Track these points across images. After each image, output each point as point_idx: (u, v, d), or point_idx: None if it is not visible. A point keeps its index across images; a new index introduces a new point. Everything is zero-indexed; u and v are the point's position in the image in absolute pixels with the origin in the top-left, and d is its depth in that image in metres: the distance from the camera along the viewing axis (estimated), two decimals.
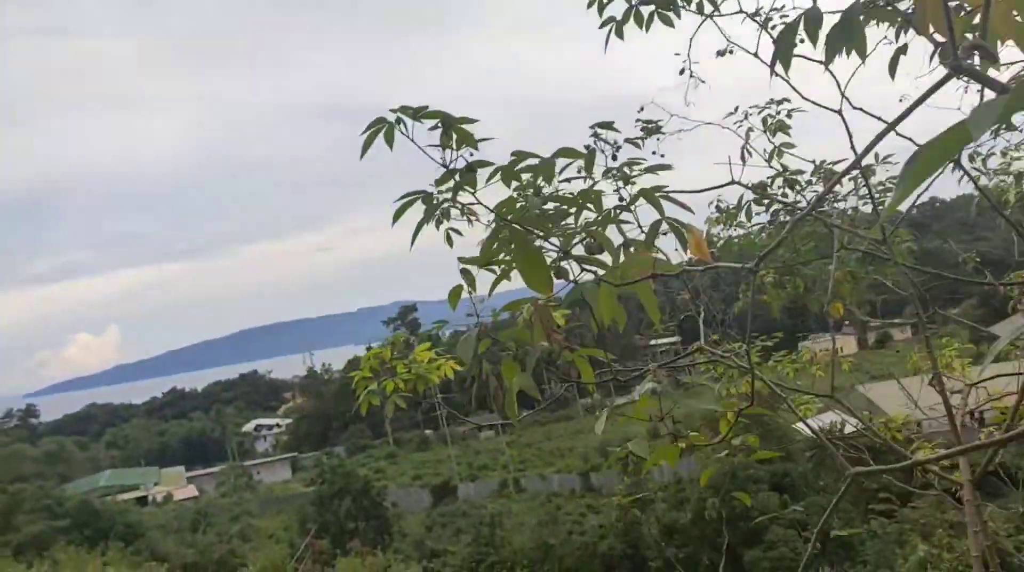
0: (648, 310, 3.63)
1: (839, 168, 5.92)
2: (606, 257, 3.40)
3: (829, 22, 2.73)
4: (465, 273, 3.52)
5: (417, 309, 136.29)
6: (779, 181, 6.02)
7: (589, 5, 4.54)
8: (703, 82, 5.78)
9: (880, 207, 5.52)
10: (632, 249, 3.41)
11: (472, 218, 3.36)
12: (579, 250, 3.42)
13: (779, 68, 2.95)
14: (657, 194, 3.39)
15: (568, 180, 3.50)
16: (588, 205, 3.43)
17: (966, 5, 2.61)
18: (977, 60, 1.74)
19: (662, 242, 3.46)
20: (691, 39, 5.23)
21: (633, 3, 4.53)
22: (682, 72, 5.76)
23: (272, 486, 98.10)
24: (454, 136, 3.10)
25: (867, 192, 5.69)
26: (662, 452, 4.12)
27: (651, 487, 58.92)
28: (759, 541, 50.69)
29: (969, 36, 2.44)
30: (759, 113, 6.01)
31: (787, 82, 4.54)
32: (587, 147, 3.86)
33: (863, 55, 2.75)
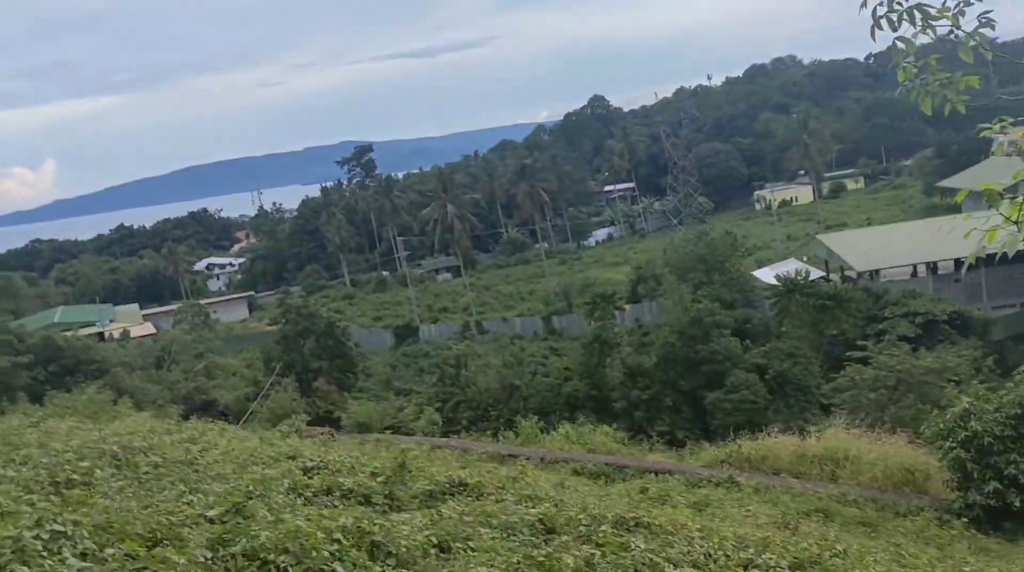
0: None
1: None
2: None
3: None
4: None
5: (373, 149, 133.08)
6: None
7: None
8: None
9: None
10: None
11: None
12: None
13: None
14: None
15: None
16: None
17: None
18: None
19: None
20: None
21: None
22: None
23: (230, 325, 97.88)
24: None
25: None
26: None
27: (617, 331, 59.93)
28: (720, 384, 52.22)
29: None
30: None
31: None
32: None
33: None
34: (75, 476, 6.83)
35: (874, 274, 67.55)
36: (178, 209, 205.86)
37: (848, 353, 48.53)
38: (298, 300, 69.00)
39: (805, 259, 78.64)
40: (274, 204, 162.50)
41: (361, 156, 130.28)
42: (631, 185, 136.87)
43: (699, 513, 12.34)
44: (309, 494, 7.59)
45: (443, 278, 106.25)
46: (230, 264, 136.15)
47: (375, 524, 5.99)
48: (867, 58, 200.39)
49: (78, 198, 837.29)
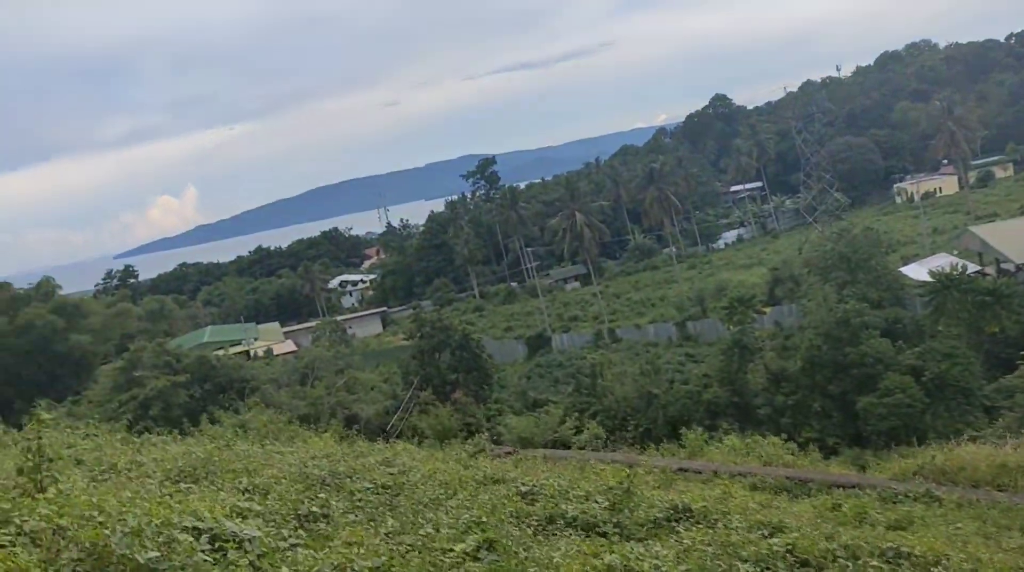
0: None
1: None
2: None
3: None
4: None
5: (496, 162, 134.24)
6: None
7: None
8: None
9: None
10: None
11: None
12: None
13: None
14: None
15: None
16: None
17: None
18: None
19: None
20: None
21: None
22: None
23: (366, 340, 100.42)
24: None
25: None
26: None
27: (758, 335, 58.19)
28: (873, 388, 49.86)
29: None
30: None
31: None
32: None
33: None
34: (315, 508, 6.80)
35: None
36: (310, 229, 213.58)
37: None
38: (433, 314, 70.01)
39: (956, 253, 74.47)
40: (401, 220, 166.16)
41: (485, 169, 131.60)
42: (759, 184, 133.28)
43: (902, 532, 11.53)
44: (535, 523, 7.38)
45: (571, 287, 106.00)
46: (362, 281, 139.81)
47: (628, 557, 5.67)
48: (1008, 38, 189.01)
49: (218, 222, 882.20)
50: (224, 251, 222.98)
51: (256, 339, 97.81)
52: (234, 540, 4.96)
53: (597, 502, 8.06)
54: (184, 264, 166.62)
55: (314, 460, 10.03)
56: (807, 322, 55.71)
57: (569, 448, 24.58)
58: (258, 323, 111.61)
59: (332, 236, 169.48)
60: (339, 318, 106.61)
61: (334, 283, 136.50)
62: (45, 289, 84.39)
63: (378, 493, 8.35)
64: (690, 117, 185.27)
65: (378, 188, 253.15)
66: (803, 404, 51.41)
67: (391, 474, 9.73)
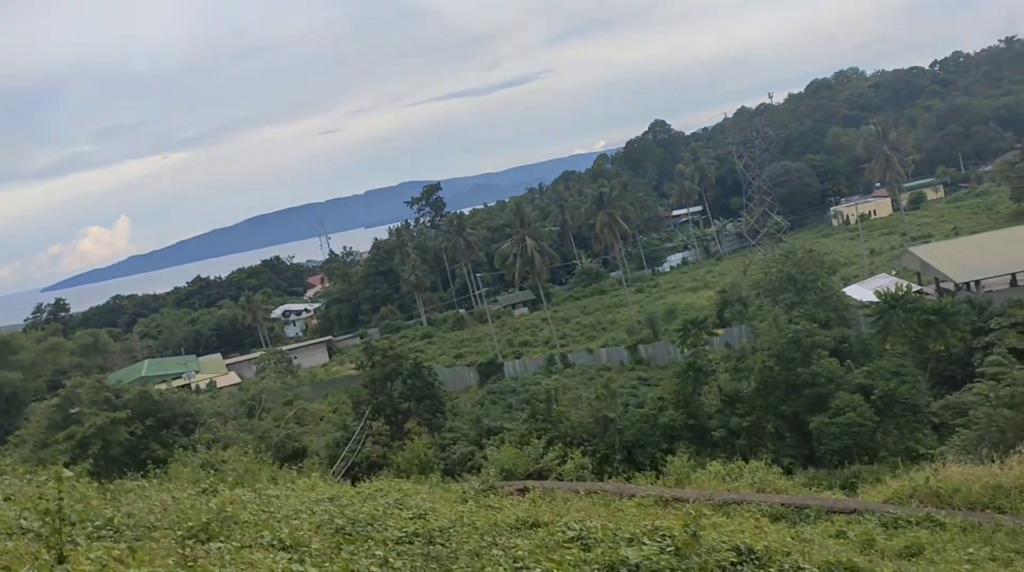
0: None
1: None
2: None
3: None
4: None
5: (441, 188, 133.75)
6: None
7: None
8: None
9: None
10: None
11: None
12: None
13: None
14: None
15: None
16: None
17: None
18: None
19: None
20: None
21: None
22: None
23: (312, 370, 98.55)
24: None
25: None
26: None
27: (711, 358, 58.41)
28: (824, 408, 50.38)
29: None
30: None
31: None
32: None
33: None
34: (375, 569, 6.11)
35: (973, 285, 64.91)
36: (249, 258, 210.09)
37: (981, 368, 46.61)
38: (383, 342, 68.83)
39: (895, 273, 76.10)
40: (344, 248, 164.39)
41: (430, 195, 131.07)
42: (700, 208, 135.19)
43: (914, 559, 11.24)
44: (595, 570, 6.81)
45: (520, 312, 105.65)
46: (305, 310, 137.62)
47: None
48: (932, 65, 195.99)
49: (151, 253, 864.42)
50: (159, 282, 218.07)
51: (197, 372, 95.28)
52: None
53: (660, 547, 7.52)
54: (118, 296, 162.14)
55: (320, 504, 9.32)
56: (759, 343, 56.10)
57: (546, 478, 24.01)
58: (199, 355, 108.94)
59: (273, 265, 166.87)
60: (284, 348, 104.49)
61: (277, 313, 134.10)
62: None
63: (411, 543, 7.72)
64: (630, 143, 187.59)
65: (318, 216, 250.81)
66: (757, 425, 51.66)
67: (412, 519, 9.06)
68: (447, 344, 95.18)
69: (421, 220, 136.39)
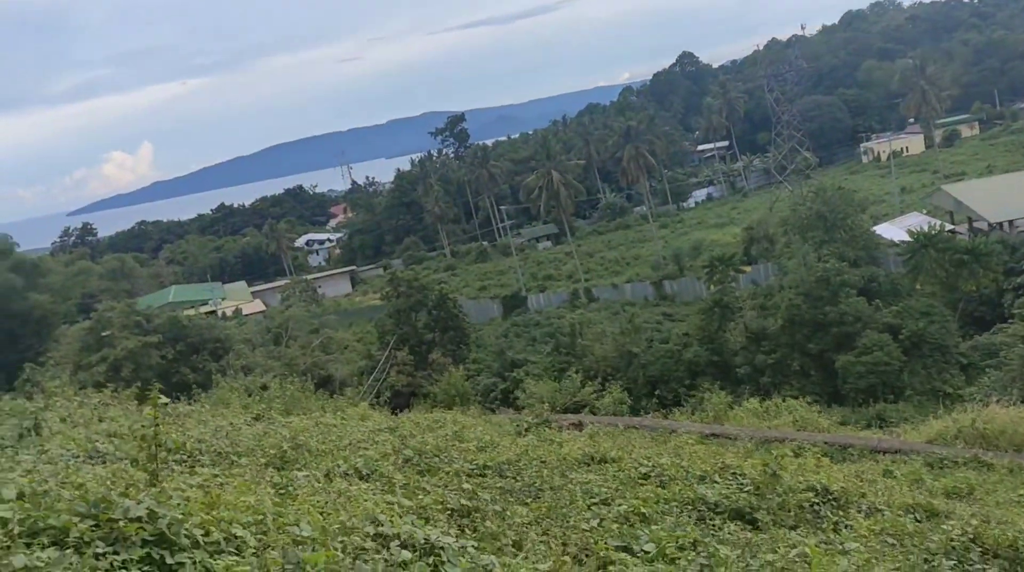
0: None
1: None
2: None
3: None
4: None
5: (465, 119, 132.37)
6: None
7: None
8: None
9: None
10: None
11: None
12: None
13: None
14: None
15: None
16: None
17: None
18: None
19: None
20: None
21: None
22: None
23: (336, 299, 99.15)
24: None
25: None
26: None
27: (737, 295, 58.23)
28: (851, 346, 50.27)
29: None
30: None
31: None
32: None
33: None
34: (464, 501, 6.10)
35: (1007, 225, 63.90)
36: (270, 186, 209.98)
37: (1013, 309, 46.21)
38: (408, 273, 69.02)
39: (926, 211, 75.03)
40: (367, 178, 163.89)
41: (454, 126, 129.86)
42: (726, 143, 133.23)
43: (965, 500, 11.21)
44: (676, 510, 6.79)
45: (543, 246, 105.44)
46: (328, 239, 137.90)
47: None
48: None
49: (174, 179, 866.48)
50: (183, 208, 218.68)
51: (223, 299, 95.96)
52: (424, 549, 4.32)
53: (740, 486, 7.50)
54: (143, 222, 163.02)
55: (380, 434, 9.35)
56: (787, 281, 55.80)
57: (579, 412, 24.17)
58: (224, 282, 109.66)
59: (296, 194, 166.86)
60: (308, 277, 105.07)
61: (300, 242, 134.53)
62: (2, 247, 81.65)
63: (483, 475, 7.74)
64: (657, 75, 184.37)
65: (339, 145, 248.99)
66: (783, 363, 51.71)
67: (475, 451, 9.10)
68: (470, 276, 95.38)
69: (444, 151, 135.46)
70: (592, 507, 6.57)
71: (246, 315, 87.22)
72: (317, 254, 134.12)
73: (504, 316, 76.16)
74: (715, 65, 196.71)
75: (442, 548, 4.32)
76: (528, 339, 69.34)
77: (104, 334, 56.80)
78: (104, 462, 6.43)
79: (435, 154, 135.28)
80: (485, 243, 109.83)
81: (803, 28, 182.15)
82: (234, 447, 7.91)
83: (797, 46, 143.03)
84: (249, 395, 17.35)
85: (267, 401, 15.06)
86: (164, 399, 5.65)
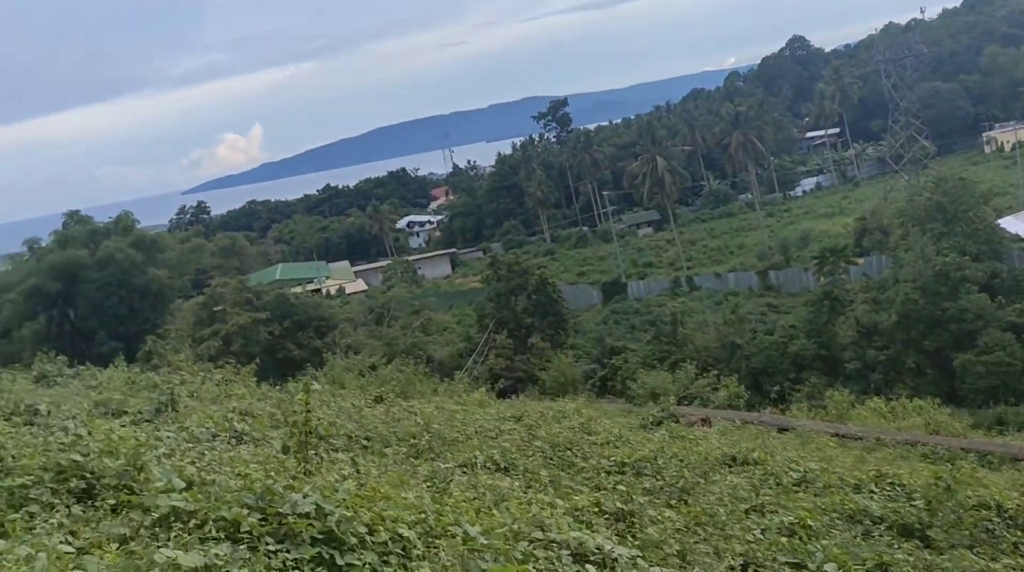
0: None
1: None
2: None
3: None
4: None
5: (568, 103, 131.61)
6: None
7: None
8: None
9: None
10: None
11: None
12: None
13: None
14: None
15: None
16: None
17: None
18: None
19: None
20: None
21: None
22: None
23: (436, 281, 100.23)
24: None
25: None
26: None
27: (848, 287, 56.33)
28: (971, 345, 48.08)
29: None
30: None
31: None
32: None
33: None
34: (619, 504, 5.86)
35: None
36: (373, 168, 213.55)
37: None
38: (510, 256, 69.14)
39: None
40: (468, 161, 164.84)
41: (556, 110, 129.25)
42: (837, 130, 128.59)
43: None
44: (840, 522, 6.38)
45: (644, 233, 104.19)
46: (429, 221, 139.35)
47: None
48: None
49: (282, 160, 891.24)
50: (290, 188, 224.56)
51: (327, 277, 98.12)
52: (595, 559, 4.08)
53: (908, 498, 7.00)
54: (253, 201, 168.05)
55: (505, 423, 9.17)
56: (902, 274, 53.55)
57: (690, 405, 23.63)
58: (328, 261, 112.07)
59: (399, 176, 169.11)
60: (409, 258, 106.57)
61: (402, 223, 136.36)
62: (124, 223, 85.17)
63: (621, 473, 7.48)
64: (766, 60, 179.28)
65: (441, 129, 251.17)
66: (896, 359, 49.79)
67: (604, 445, 8.82)
68: (570, 261, 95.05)
69: (546, 135, 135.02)
70: (747, 515, 6.21)
71: (349, 294, 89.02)
72: (417, 236, 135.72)
73: (603, 302, 75.65)
74: (827, 49, 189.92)
75: (615, 559, 4.06)
76: (627, 326, 68.73)
77: (216, 309, 58.86)
78: (241, 441, 6.41)
79: (536, 138, 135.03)
80: (585, 229, 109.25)
81: (922, 12, 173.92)
82: (363, 431, 7.83)
83: (916, 30, 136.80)
84: (361, 375, 17.45)
85: (382, 382, 15.11)
86: (316, 385, 5.55)
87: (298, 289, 76.45)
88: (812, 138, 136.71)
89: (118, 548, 3.42)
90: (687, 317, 61.01)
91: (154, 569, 3.11)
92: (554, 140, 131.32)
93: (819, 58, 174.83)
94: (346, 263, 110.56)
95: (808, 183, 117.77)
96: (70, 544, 3.37)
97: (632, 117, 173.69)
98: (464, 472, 6.24)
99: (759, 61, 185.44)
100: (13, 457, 4.61)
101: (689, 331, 57.83)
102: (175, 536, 3.55)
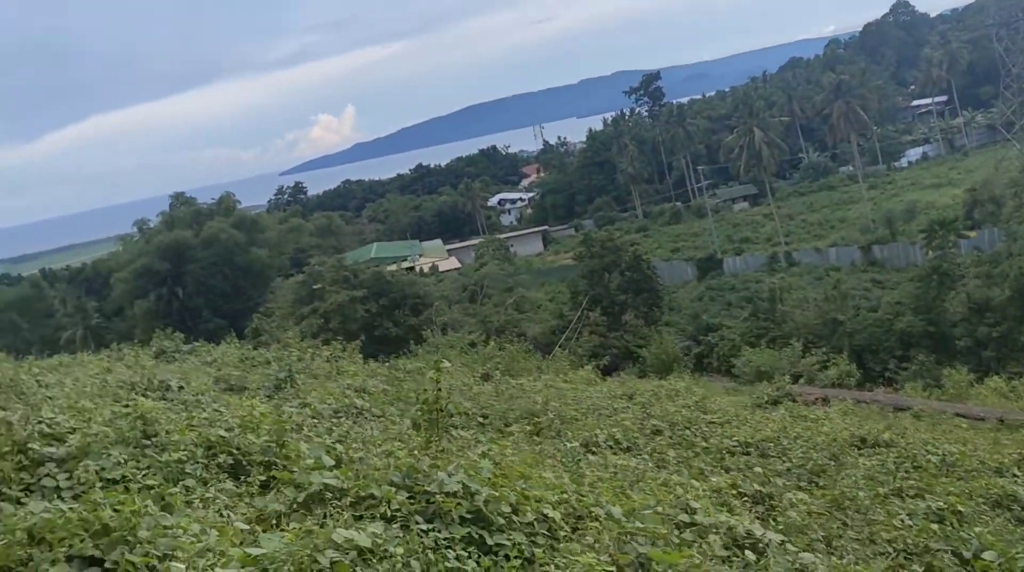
0: None
1: None
2: None
3: None
4: None
5: (660, 77, 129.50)
6: None
7: None
8: None
9: None
10: None
11: None
12: None
13: None
14: None
15: None
16: None
17: None
18: None
19: None
20: None
21: None
22: None
23: (528, 258, 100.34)
24: None
25: None
26: None
27: (959, 261, 54.08)
28: None
29: None
30: None
31: None
32: None
33: None
34: (758, 487, 5.74)
35: None
36: (466, 146, 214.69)
37: None
38: (603, 233, 68.62)
39: None
40: (559, 138, 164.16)
41: (648, 84, 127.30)
42: (945, 98, 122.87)
43: None
44: (984, 508, 6.10)
45: (740, 207, 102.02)
46: (520, 199, 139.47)
47: None
48: None
49: (375, 140, 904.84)
50: (383, 168, 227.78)
51: (421, 255, 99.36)
52: (746, 545, 3.97)
53: None
54: (347, 181, 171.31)
55: (617, 401, 9.06)
56: (1017, 248, 51.11)
57: (795, 383, 23.05)
58: (421, 240, 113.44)
59: (490, 154, 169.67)
60: (501, 236, 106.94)
61: (493, 201, 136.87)
62: (226, 204, 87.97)
63: (746, 454, 7.31)
64: (868, 26, 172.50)
65: (532, 106, 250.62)
66: (1009, 336, 47.62)
67: (720, 425, 8.61)
68: (663, 237, 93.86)
69: (637, 110, 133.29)
70: (886, 499, 5.96)
71: (442, 272, 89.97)
72: (509, 213, 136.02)
73: (698, 279, 74.48)
74: (933, 14, 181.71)
75: (766, 544, 3.92)
76: (723, 303, 67.51)
77: (315, 287, 60.24)
78: (360, 416, 6.47)
79: (628, 113, 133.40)
80: (679, 204, 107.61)
81: None
82: (479, 408, 7.84)
83: None
84: (464, 353, 17.55)
85: (485, 360, 15.15)
86: (446, 363, 5.55)
87: (392, 267, 77.68)
88: (918, 107, 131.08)
89: (275, 524, 3.48)
90: (786, 293, 59.54)
91: (329, 548, 3.15)
92: (646, 114, 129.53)
93: (924, 23, 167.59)
94: (439, 241, 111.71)
95: (914, 153, 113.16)
96: (227, 518, 3.44)
97: (727, 89, 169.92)
98: (590, 451, 6.17)
99: (860, 28, 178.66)
100: (167, 432, 4.77)
101: (788, 308, 56.40)
102: (331, 513, 3.58)
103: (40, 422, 4.70)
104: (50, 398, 6.19)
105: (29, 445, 4.34)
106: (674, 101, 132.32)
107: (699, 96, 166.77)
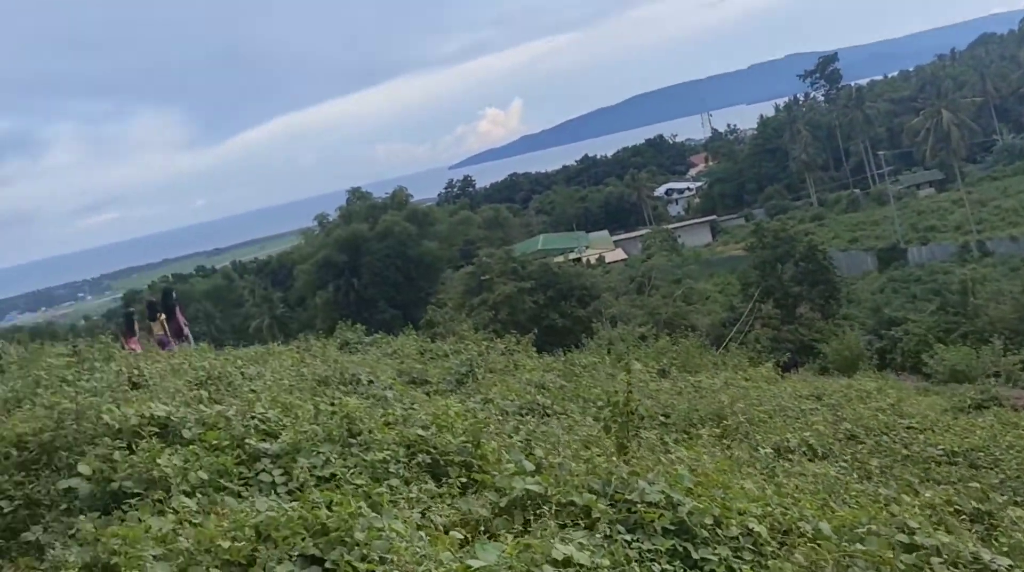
0: None
1: None
2: None
3: None
4: None
5: (838, 58, 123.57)
6: None
7: None
8: None
9: None
10: None
11: None
12: None
13: None
14: None
15: None
16: None
17: None
18: None
19: None
20: None
21: None
22: None
23: (696, 249, 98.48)
24: None
25: None
26: None
27: None
28: None
29: None
30: None
31: None
32: None
33: None
34: (976, 503, 5.46)
35: None
36: (630, 136, 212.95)
37: None
38: (776, 223, 66.36)
39: None
40: (728, 125, 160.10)
41: (825, 67, 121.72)
42: None
43: None
44: None
45: (925, 193, 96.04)
46: (688, 188, 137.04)
47: None
48: None
49: (540, 132, 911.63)
50: (549, 160, 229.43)
51: (587, 247, 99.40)
52: (976, 571, 3.71)
53: None
54: (514, 174, 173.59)
55: (805, 402, 8.70)
56: None
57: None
58: (587, 231, 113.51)
59: (656, 143, 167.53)
60: (668, 226, 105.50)
61: (660, 191, 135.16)
62: (399, 198, 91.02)
63: (953, 464, 6.85)
64: None
65: (699, 93, 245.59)
66: None
67: (917, 430, 8.10)
68: (840, 227, 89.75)
69: (812, 94, 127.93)
70: None
71: (608, 263, 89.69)
72: (676, 203, 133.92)
73: (879, 270, 70.79)
74: None
75: (994, 571, 3.63)
76: (907, 296, 63.91)
77: (484, 278, 61.44)
78: (535, 413, 6.49)
79: (802, 98, 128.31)
80: (857, 191, 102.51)
81: None
82: (660, 407, 7.70)
83: None
84: (635, 347, 17.38)
85: (659, 354, 14.93)
86: (638, 365, 5.49)
87: (559, 259, 78.12)
88: None
89: (483, 530, 3.51)
90: (979, 285, 55.74)
91: (545, 564, 3.15)
92: (822, 99, 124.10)
93: None
94: (605, 232, 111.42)
95: None
96: (431, 521, 3.51)
97: (911, 68, 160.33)
98: (782, 457, 5.92)
99: None
100: (370, 431, 4.96)
101: (982, 301, 52.74)
102: (535, 520, 3.59)
103: (253, 417, 5.00)
104: (253, 391, 6.56)
105: (246, 440, 4.64)
106: (853, 83, 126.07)
107: (880, 77, 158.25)
